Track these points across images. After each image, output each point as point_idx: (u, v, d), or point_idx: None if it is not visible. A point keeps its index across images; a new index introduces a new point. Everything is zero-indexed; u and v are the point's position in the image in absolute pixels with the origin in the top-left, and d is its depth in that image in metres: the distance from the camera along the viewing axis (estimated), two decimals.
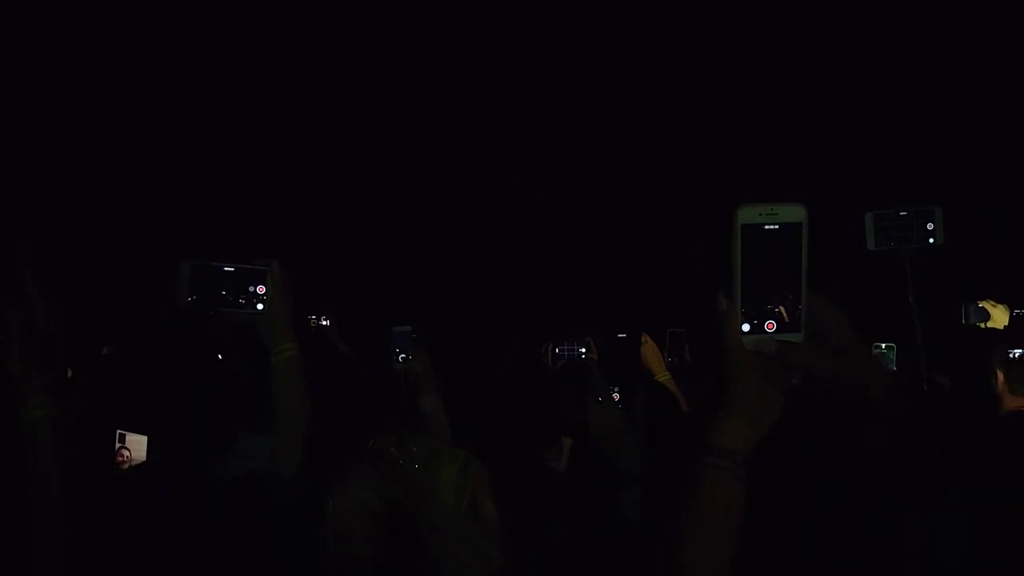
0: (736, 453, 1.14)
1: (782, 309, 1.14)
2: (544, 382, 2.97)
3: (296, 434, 1.85)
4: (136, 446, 3.56)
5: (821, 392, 1.38)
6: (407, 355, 3.29)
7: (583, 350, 3.69)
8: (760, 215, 1.12)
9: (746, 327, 1.15)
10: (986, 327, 3.72)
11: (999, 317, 3.70)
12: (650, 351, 3.44)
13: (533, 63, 5.82)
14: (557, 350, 3.79)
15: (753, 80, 5.86)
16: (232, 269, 1.79)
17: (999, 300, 3.71)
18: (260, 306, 1.79)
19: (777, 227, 1.13)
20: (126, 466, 3.23)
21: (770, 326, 1.15)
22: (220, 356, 3.12)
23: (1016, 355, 3.19)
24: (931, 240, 2.36)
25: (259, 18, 5.24)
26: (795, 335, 1.15)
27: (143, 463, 2.65)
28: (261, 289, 1.79)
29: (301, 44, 5.45)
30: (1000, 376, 3.59)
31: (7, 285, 1.43)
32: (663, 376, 3.40)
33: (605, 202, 6.54)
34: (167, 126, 5.36)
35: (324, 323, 4.08)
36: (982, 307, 3.73)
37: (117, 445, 3.44)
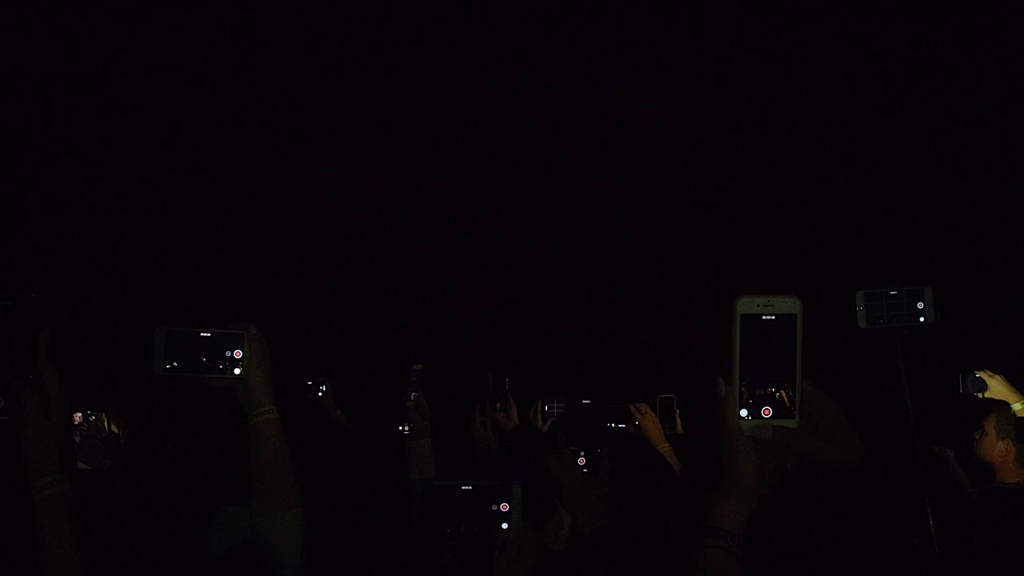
0: (735, 534, 1.19)
1: (783, 394, 1.20)
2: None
3: (279, 500, 1.81)
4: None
5: (813, 474, 1.41)
6: (417, 393, 3.30)
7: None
8: (758, 306, 1.19)
9: (744, 412, 1.20)
10: (983, 397, 3.69)
11: (996, 387, 3.67)
12: (650, 423, 3.37)
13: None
14: (547, 408, 3.70)
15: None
16: (208, 334, 1.78)
17: (996, 371, 3.67)
18: (238, 370, 1.78)
19: (774, 318, 1.19)
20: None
21: (766, 412, 1.20)
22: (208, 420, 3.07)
23: None
24: (922, 319, 2.38)
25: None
26: (790, 420, 1.20)
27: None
28: (238, 353, 1.78)
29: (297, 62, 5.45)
30: (1002, 445, 3.53)
31: (21, 366, 1.48)
32: (664, 447, 3.33)
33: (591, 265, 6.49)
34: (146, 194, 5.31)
35: (321, 390, 4.03)
36: (979, 377, 3.70)
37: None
